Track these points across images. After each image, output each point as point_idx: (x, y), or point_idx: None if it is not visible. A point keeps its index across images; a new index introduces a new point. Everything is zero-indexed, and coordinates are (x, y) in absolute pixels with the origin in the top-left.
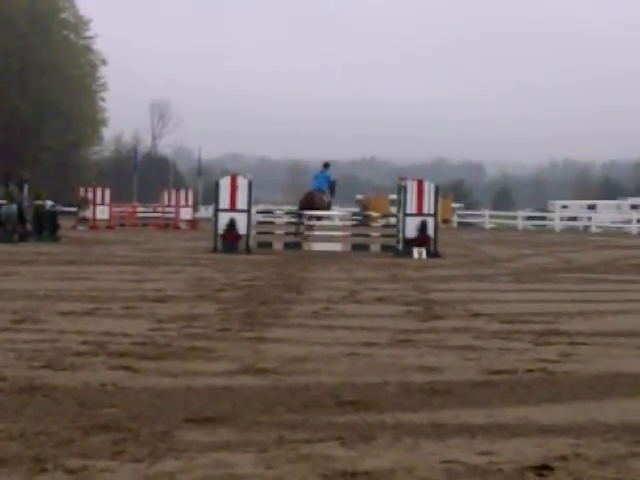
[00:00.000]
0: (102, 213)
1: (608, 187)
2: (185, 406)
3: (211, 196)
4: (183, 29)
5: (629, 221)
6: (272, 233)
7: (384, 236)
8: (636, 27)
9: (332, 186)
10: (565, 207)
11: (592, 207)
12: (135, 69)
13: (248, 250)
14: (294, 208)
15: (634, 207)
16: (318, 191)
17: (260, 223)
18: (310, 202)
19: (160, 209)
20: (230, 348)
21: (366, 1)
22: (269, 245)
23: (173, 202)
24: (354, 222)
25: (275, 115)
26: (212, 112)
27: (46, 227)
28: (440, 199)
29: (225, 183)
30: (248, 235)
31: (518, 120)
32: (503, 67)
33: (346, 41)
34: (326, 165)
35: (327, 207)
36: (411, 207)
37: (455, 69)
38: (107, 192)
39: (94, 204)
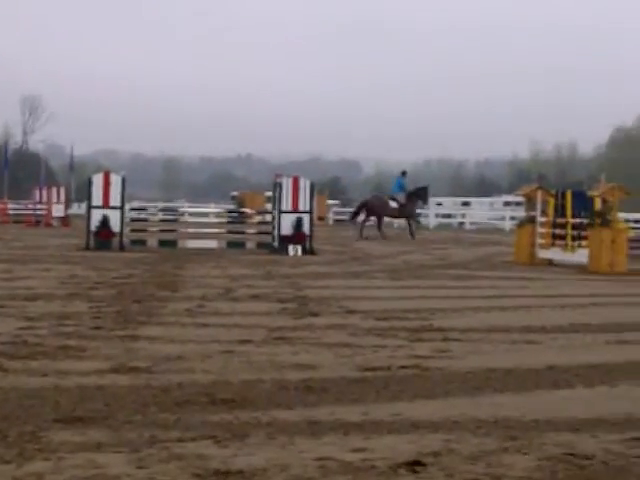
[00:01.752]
0: None
1: (482, 184)
2: (55, 406)
3: (84, 193)
4: (54, 22)
5: (502, 218)
6: (146, 230)
7: (260, 233)
8: (503, 28)
9: (419, 192)
10: (440, 204)
11: (466, 204)
12: (5, 62)
13: (122, 247)
14: (169, 204)
15: (507, 204)
16: (386, 195)
17: (134, 220)
18: (366, 204)
19: (31, 206)
20: (102, 347)
21: None
22: (143, 242)
23: (45, 199)
24: (229, 219)
25: (150, 111)
26: (86, 107)
27: None
28: (316, 196)
29: (98, 180)
30: (121, 232)
31: (393, 117)
32: (379, 65)
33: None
34: (403, 173)
35: (390, 211)
36: (287, 204)
37: (333, 66)
38: None
39: None
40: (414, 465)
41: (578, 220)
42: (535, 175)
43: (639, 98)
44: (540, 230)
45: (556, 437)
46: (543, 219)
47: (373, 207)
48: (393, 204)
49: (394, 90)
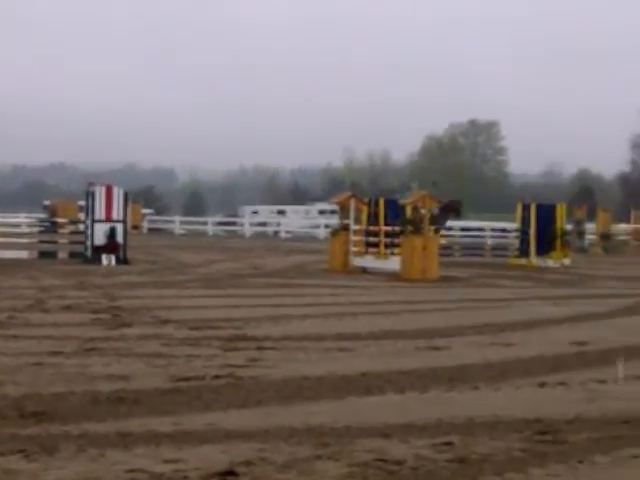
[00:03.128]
0: None
1: (297, 192)
2: None
3: None
4: None
5: (317, 226)
6: None
7: (72, 243)
8: (315, 37)
9: (451, 205)
10: (255, 212)
11: (282, 212)
12: None
13: None
14: None
15: (322, 212)
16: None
17: None
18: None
19: None
20: None
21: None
22: None
23: None
24: (41, 229)
25: None
26: None
27: None
28: (130, 205)
29: None
30: None
31: (209, 126)
32: (195, 79)
33: (21, 41)
34: (434, 184)
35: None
36: (100, 213)
37: (146, 76)
38: None
39: None
40: (227, 475)
41: (391, 228)
42: (348, 183)
43: (450, 107)
44: (354, 238)
45: (367, 443)
46: (357, 227)
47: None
48: None
49: (210, 98)
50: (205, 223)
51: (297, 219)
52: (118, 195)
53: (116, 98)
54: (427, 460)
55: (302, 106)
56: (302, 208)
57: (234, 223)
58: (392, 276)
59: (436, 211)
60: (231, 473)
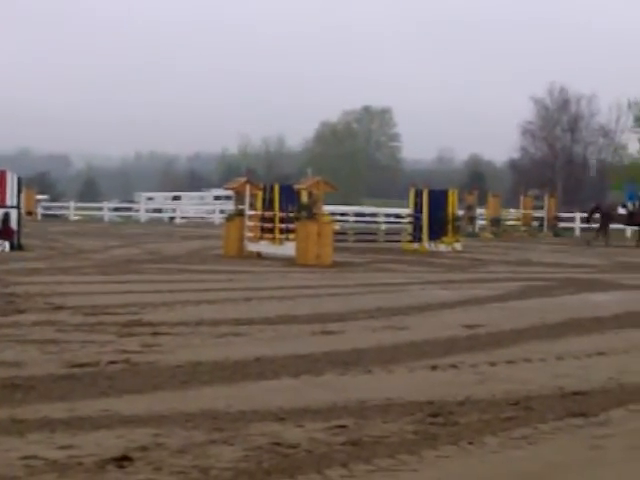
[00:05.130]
0: None
1: (193, 179)
2: None
3: None
4: None
5: (212, 212)
6: None
7: None
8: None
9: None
10: (151, 199)
11: (177, 198)
12: None
13: None
14: None
15: (217, 198)
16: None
17: None
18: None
19: None
20: None
21: None
22: None
23: None
24: None
25: None
26: None
27: None
28: (24, 191)
29: None
30: None
31: (103, 112)
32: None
33: None
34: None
35: (618, 218)
36: None
37: (35, 61)
38: None
39: None
40: (122, 460)
41: (286, 213)
42: (244, 169)
43: (344, 94)
44: (249, 223)
45: (262, 427)
46: (252, 212)
47: (602, 211)
48: (622, 211)
49: (99, 85)
50: (100, 209)
51: (192, 205)
52: (12, 181)
53: (8, 84)
54: (321, 443)
55: (197, 93)
56: (197, 194)
57: (129, 209)
58: (287, 261)
59: (632, 208)
60: (126, 458)
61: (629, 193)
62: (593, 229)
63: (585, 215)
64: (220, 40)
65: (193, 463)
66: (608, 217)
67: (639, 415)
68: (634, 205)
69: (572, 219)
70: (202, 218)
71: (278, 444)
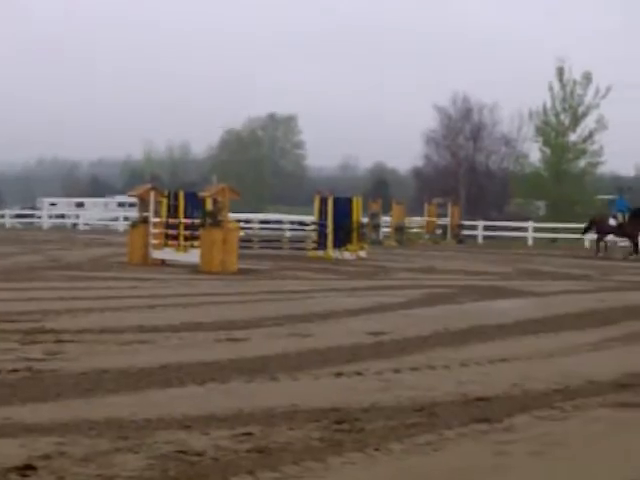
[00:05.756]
0: None
1: (96, 185)
2: None
3: None
4: None
5: (116, 219)
6: None
7: None
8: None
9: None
10: (54, 204)
11: (80, 205)
12: None
13: None
14: None
15: (121, 205)
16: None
17: None
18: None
19: None
20: None
21: None
22: None
23: None
24: None
25: None
26: None
27: None
28: None
29: None
30: None
31: (4, 116)
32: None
33: None
34: (621, 190)
35: (610, 229)
36: None
37: None
38: None
39: None
40: (25, 469)
41: (190, 220)
42: (148, 175)
43: (249, 101)
44: (153, 231)
45: (168, 435)
46: (156, 220)
47: (596, 224)
48: (612, 222)
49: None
50: (2, 216)
51: (96, 212)
52: None
53: None
54: (227, 451)
55: (100, 98)
56: (101, 201)
57: (32, 215)
58: (192, 269)
59: (621, 219)
60: (29, 467)
61: (618, 203)
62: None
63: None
64: (125, 44)
65: (97, 472)
66: (601, 229)
67: (542, 421)
68: (623, 216)
69: (475, 227)
70: (106, 225)
71: (184, 452)
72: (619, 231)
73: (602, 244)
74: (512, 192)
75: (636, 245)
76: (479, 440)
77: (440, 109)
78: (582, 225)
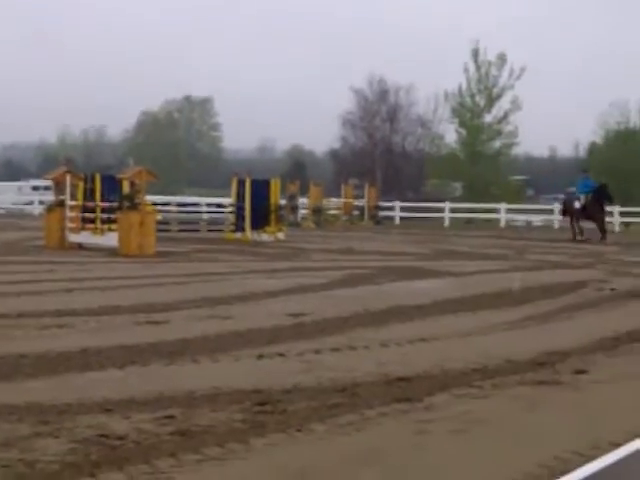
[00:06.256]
0: None
1: (10, 168)
2: None
3: None
4: None
5: (31, 202)
6: None
7: None
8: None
9: (601, 190)
10: None
11: None
12: None
13: None
14: None
15: (35, 188)
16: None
17: None
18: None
19: None
20: None
21: None
22: None
23: None
24: None
25: None
26: None
27: None
28: None
29: None
30: None
31: None
32: None
33: None
34: (585, 171)
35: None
36: None
37: None
38: None
39: None
40: None
41: (108, 204)
42: (63, 158)
43: (165, 84)
44: (70, 214)
45: (89, 419)
46: (73, 203)
47: (565, 207)
48: (577, 205)
49: None
50: None
51: (10, 195)
52: None
53: None
54: (149, 434)
55: (13, 81)
56: (15, 184)
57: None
58: (110, 252)
59: (584, 200)
60: None
61: (581, 185)
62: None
63: None
64: (44, 27)
65: (18, 457)
66: (569, 212)
67: (462, 399)
68: (586, 198)
69: (392, 208)
70: (21, 209)
71: (105, 436)
72: (583, 214)
73: (577, 228)
74: (428, 173)
75: (602, 229)
76: (400, 419)
77: (357, 91)
78: (496, 205)
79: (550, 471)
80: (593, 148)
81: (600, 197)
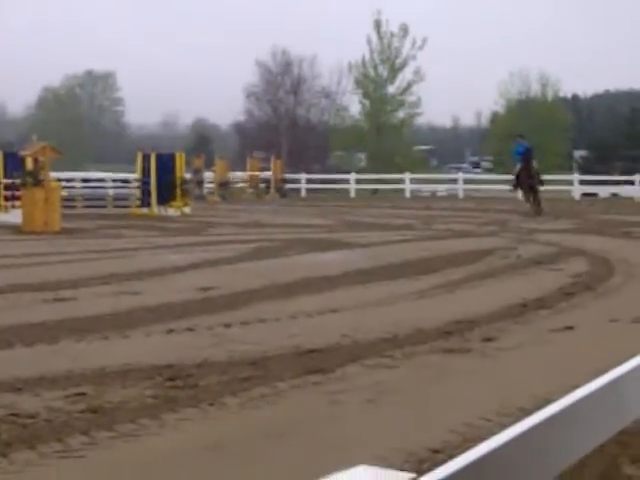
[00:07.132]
0: None
1: None
2: None
3: None
4: None
5: None
6: None
7: None
8: None
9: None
10: None
11: None
12: None
13: None
14: None
15: None
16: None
17: None
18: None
19: None
20: None
21: None
22: None
23: None
24: None
25: None
26: None
27: None
28: None
29: None
30: None
31: None
32: None
33: None
34: (521, 136)
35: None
36: None
37: None
38: None
39: None
40: None
41: (11, 180)
42: None
43: (65, 57)
44: None
45: None
46: None
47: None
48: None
49: None
50: None
51: None
52: None
53: None
54: (60, 412)
55: None
56: None
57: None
58: (14, 229)
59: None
60: None
61: (516, 150)
62: None
63: None
64: None
65: None
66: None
67: (373, 370)
68: (521, 166)
69: (298, 180)
70: None
71: (16, 415)
72: (516, 183)
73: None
74: (333, 145)
75: (535, 198)
76: (313, 391)
77: (260, 63)
78: (401, 176)
79: (461, 437)
80: (495, 117)
81: (529, 162)
